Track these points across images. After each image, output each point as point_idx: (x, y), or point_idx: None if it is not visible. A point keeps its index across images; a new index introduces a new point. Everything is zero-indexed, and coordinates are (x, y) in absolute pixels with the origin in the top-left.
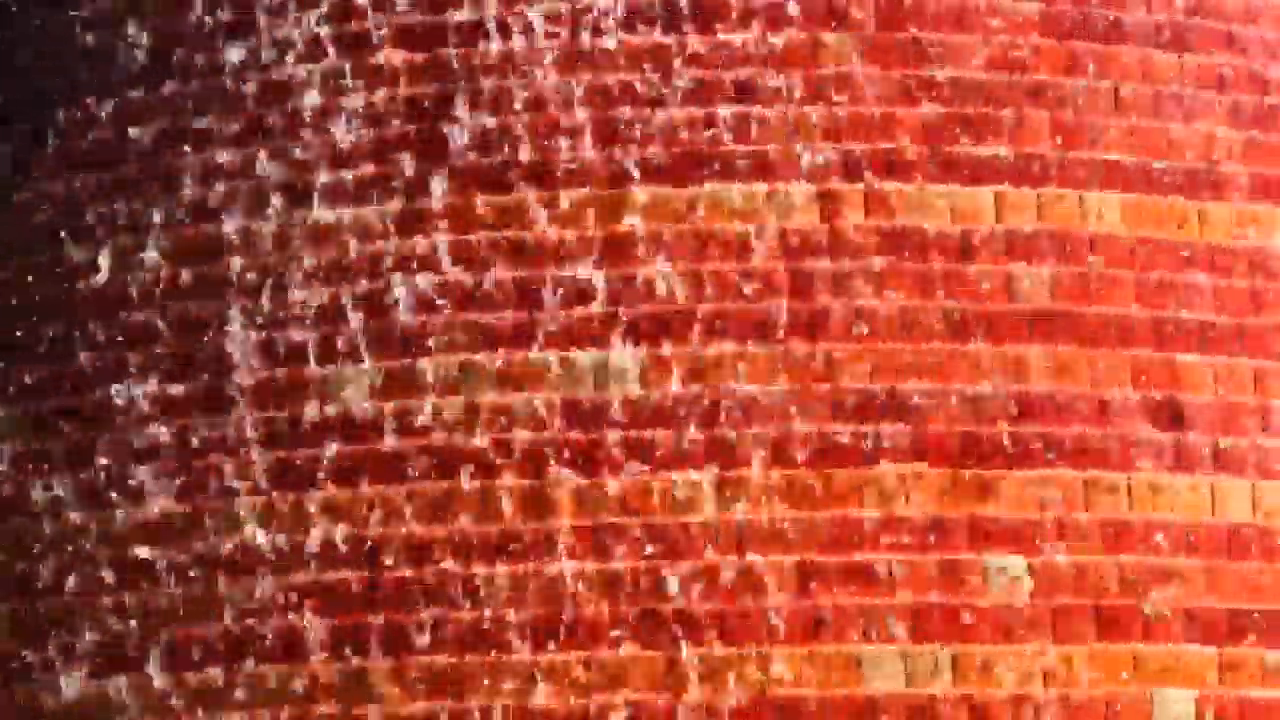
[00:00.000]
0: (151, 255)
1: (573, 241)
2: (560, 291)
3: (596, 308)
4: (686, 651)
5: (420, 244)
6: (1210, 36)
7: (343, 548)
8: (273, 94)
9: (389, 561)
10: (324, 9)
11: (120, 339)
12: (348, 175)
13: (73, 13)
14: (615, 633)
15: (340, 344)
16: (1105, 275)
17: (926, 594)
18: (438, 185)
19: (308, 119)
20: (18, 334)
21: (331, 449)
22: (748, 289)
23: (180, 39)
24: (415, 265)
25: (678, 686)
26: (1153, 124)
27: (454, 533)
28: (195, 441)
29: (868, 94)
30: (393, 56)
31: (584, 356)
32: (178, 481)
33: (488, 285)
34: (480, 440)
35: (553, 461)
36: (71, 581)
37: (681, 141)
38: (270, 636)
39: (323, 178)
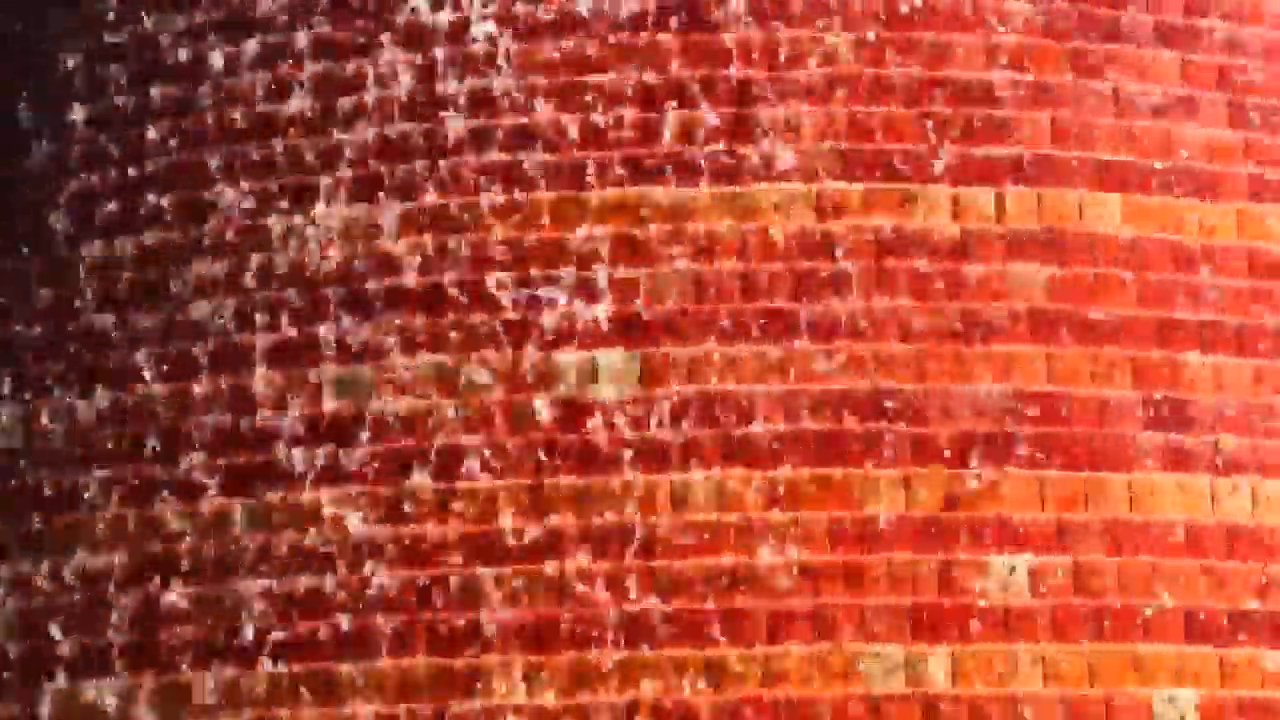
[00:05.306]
0: None
1: (573, 242)
2: (562, 291)
3: (598, 307)
4: (687, 651)
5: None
6: (1210, 36)
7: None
8: None
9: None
10: None
11: None
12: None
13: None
14: (616, 632)
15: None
16: (1105, 275)
17: (926, 594)
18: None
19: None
20: None
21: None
22: (748, 289)
23: None
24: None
25: (678, 686)
26: (1153, 124)
27: (454, 533)
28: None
29: (868, 94)
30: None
31: (584, 357)
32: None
33: (493, 283)
34: (474, 438)
35: (552, 461)
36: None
37: (682, 141)
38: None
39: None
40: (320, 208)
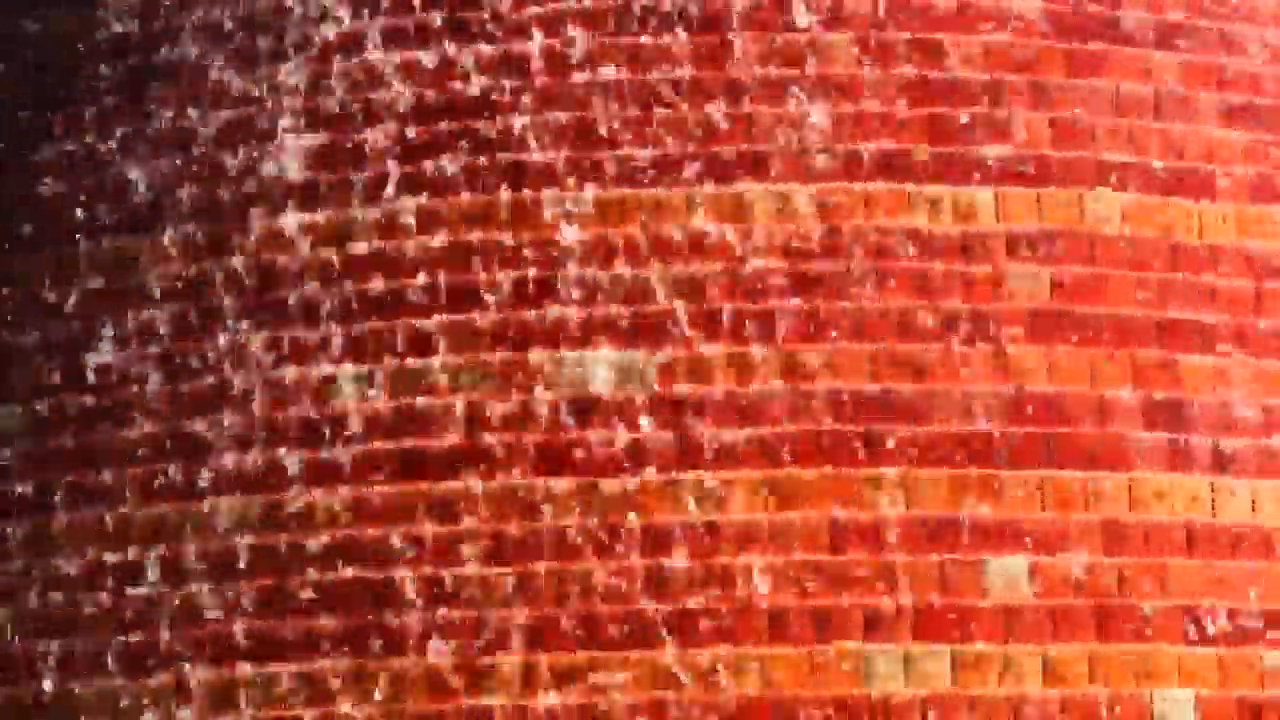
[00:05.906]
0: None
1: (575, 242)
2: (562, 291)
3: (598, 308)
4: (687, 651)
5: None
6: (1210, 36)
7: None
8: None
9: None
10: None
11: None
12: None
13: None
14: (616, 632)
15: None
16: (1105, 275)
17: (926, 594)
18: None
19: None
20: None
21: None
22: (747, 289)
23: None
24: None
25: (677, 686)
26: (1153, 124)
27: (459, 532)
28: None
29: (868, 94)
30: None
31: (584, 357)
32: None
33: (488, 284)
34: (486, 439)
35: (552, 462)
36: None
37: (682, 141)
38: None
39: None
40: None
